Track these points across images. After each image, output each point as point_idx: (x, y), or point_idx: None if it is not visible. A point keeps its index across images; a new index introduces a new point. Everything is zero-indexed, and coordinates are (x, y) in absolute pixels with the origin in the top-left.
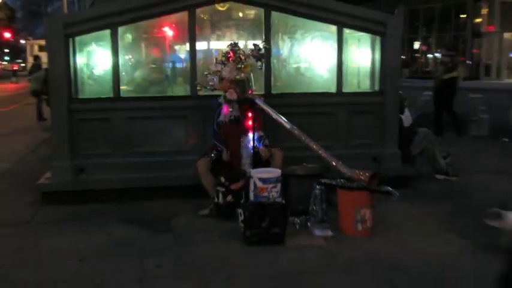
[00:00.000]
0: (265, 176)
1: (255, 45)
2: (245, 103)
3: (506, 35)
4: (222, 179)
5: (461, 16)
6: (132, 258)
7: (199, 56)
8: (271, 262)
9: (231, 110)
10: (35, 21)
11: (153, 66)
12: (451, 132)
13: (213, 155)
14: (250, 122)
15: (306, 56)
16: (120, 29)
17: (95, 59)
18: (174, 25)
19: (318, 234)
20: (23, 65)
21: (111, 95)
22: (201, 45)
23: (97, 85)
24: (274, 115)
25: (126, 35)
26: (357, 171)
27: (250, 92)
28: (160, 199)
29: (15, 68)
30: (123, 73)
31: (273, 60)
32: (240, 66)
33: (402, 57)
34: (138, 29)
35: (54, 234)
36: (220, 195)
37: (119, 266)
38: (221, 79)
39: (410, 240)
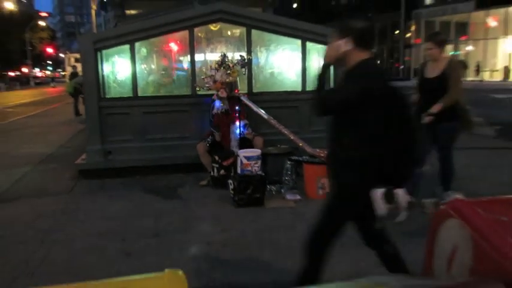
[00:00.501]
0: (249, 155)
1: (240, 55)
2: (233, 99)
3: None
4: (216, 158)
5: (396, 32)
6: (148, 218)
7: (197, 64)
8: (254, 219)
9: (222, 104)
10: (71, 39)
11: (163, 72)
12: None
13: (209, 139)
14: (237, 114)
15: (278, 63)
16: (137, 44)
17: (118, 67)
18: (178, 41)
19: (289, 198)
20: (62, 73)
21: (131, 95)
22: (198, 56)
23: (120, 87)
24: (255, 108)
25: (141, 49)
26: (317, 150)
27: (236, 91)
28: (169, 174)
29: (55, 75)
30: (140, 78)
31: (254, 67)
32: (229, 71)
33: None
34: (150, 44)
35: (89, 200)
36: (215, 170)
37: (139, 224)
38: (214, 81)
39: None
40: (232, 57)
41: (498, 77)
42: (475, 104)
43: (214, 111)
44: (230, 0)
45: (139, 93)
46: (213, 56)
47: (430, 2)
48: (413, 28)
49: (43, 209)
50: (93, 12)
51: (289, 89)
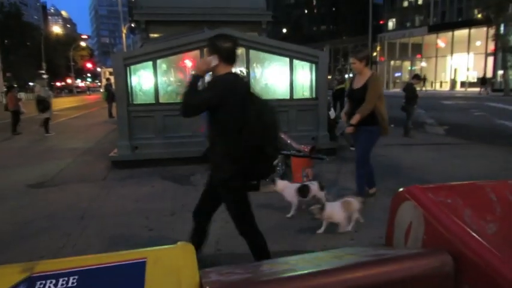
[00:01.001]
0: None
1: (240, 70)
2: None
3: (392, 62)
4: None
5: None
6: (166, 200)
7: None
8: (253, 200)
9: None
10: (105, 56)
11: (179, 84)
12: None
13: None
14: None
15: (271, 77)
16: (158, 61)
17: (143, 80)
18: (191, 58)
19: None
20: (99, 84)
21: (153, 101)
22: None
23: (144, 95)
24: None
25: (162, 65)
26: (302, 146)
27: None
28: (183, 165)
29: (91, 85)
30: (160, 88)
31: (251, 79)
32: None
33: (328, 77)
34: (169, 61)
35: (120, 186)
36: None
37: (159, 205)
38: None
39: (331, 186)
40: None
41: (446, 87)
42: (429, 108)
43: None
44: (233, 26)
45: (160, 100)
46: None
47: (392, 28)
48: (378, 48)
49: (82, 192)
50: (123, 35)
51: (280, 97)
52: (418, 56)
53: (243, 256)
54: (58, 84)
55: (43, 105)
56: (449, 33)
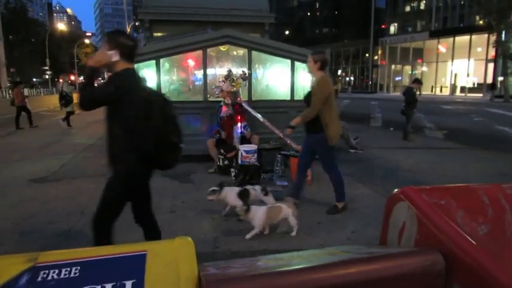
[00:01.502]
0: (247, 149)
1: (243, 71)
2: (236, 105)
3: (393, 66)
4: (222, 151)
5: (366, 55)
6: (167, 197)
7: (209, 77)
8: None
9: (227, 109)
10: None
11: (181, 83)
12: (356, 124)
13: (216, 136)
14: (239, 117)
15: (272, 77)
16: (161, 60)
17: (146, 78)
18: (194, 58)
19: (279, 184)
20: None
21: None
22: (210, 71)
23: None
24: (254, 113)
25: (165, 64)
26: (300, 146)
27: (239, 98)
28: (184, 163)
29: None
30: (163, 86)
31: (253, 80)
32: (233, 83)
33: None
34: (172, 60)
35: None
36: (221, 160)
37: (159, 202)
38: (222, 91)
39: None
40: (236, 72)
41: (446, 92)
42: (428, 113)
43: (221, 114)
44: (236, 28)
45: None
46: (221, 71)
47: (393, 32)
48: (379, 52)
49: (83, 187)
50: None
51: (280, 98)
52: (419, 61)
53: (241, 254)
54: (61, 80)
55: (66, 99)
56: (451, 39)
